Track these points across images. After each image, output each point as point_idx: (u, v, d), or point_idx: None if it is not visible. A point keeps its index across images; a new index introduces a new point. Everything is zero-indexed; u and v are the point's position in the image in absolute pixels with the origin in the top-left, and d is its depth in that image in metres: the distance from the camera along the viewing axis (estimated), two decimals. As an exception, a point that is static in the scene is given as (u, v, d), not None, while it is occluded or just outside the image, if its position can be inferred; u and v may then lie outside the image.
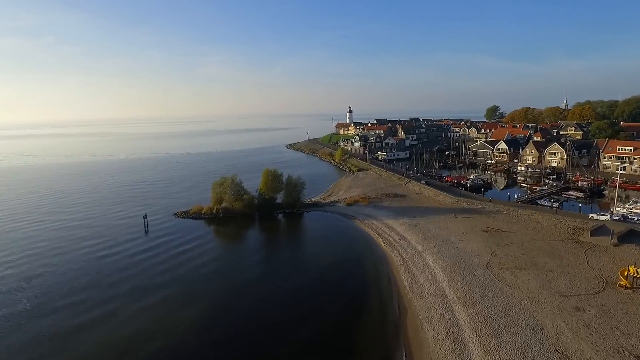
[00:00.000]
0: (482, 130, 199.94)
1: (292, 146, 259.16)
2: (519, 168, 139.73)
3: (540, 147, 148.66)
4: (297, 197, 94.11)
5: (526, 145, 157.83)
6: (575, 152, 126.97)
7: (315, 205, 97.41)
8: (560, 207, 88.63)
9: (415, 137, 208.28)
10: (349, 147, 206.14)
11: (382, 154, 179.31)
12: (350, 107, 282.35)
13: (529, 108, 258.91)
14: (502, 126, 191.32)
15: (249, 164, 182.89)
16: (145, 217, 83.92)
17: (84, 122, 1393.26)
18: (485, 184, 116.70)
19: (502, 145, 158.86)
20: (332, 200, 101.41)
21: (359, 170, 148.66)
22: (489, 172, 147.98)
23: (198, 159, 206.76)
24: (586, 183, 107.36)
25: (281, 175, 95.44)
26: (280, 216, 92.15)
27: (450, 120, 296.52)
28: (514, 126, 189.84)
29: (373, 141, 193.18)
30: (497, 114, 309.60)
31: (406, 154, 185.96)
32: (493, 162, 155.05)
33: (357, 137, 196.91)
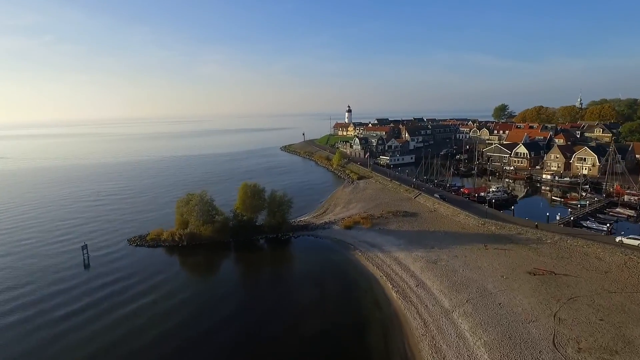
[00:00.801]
0: (495, 132, 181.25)
1: (287, 148, 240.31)
2: (544, 176, 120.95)
3: (566, 151, 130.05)
4: (282, 218, 75.27)
5: (548, 149, 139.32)
6: (618, 158, 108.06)
7: (306, 227, 78.48)
8: (612, 231, 69.96)
9: (420, 139, 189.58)
10: (347, 150, 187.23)
11: (384, 159, 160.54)
12: (349, 106, 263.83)
13: (542, 107, 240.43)
14: (517, 127, 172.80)
15: (234, 170, 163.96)
16: (84, 247, 65.07)
17: (80, 122, 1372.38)
18: (510, 198, 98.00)
19: (522, 149, 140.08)
20: (327, 220, 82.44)
21: (360, 178, 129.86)
22: (506, 180, 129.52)
23: (181, 163, 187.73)
24: (636, 197, 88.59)
25: (263, 190, 76.65)
26: (261, 242, 73.30)
27: (456, 120, 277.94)
28: (531, 127, 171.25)
29: (374, 144, 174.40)
30: (506, 113, 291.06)
31: (411, 159, 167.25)
32: (512, 168, 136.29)
33: (357, 139, 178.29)
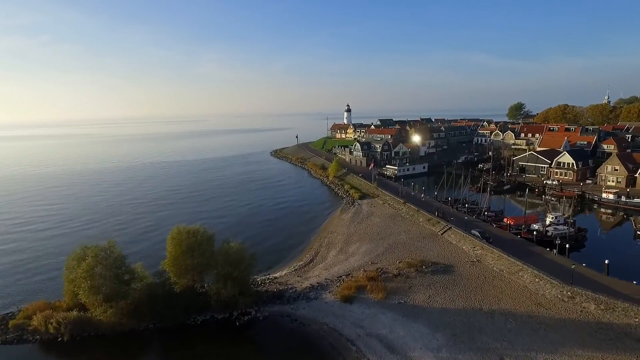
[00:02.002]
0: (522, 135, 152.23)
1: (278, 153, 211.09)
2: (605, 195, 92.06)
3: (626, 161, 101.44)
4: (241, 284, 46.06)
5: (595, 157, 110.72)
6: None
7: (280, 296, 49.27)
8: None
9: (432, 143, 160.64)
10: (346, 157, 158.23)
11: (391, 169, 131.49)
12: (348, 105, 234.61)
13: (567, 106, 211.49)
14: (550, 130, 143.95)
15: (207, 183, 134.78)
16: None
17: (78, 122, 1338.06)
18: (577, 232, 69.01)
19: (566, 159, 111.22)
20: (315, 282, 52.92)
21: (362, 197, 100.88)
22: (548, 198, 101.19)
23: (151, 173, 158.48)
24: None
25: (210, 239, 47.66)
26: (203, 329, 44.25)
27: (468, 120, 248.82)
28: (567, 129, 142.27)
29: (379, 150, 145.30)
30: (522, 112, 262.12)
31: (424, 168, 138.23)
32: (555, 182, 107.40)
33: (358, 144, 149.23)
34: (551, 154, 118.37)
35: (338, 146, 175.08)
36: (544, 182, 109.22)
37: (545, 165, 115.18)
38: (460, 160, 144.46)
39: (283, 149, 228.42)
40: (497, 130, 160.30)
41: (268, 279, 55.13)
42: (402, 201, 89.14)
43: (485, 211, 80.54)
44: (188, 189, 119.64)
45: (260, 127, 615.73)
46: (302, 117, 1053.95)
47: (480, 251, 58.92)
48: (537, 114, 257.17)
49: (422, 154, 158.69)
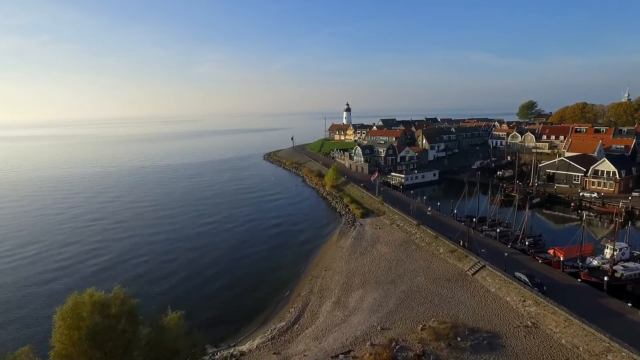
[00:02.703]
0: (544, 137, 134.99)
1: (272, 156, 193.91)
2: (664, 214, 74.98)
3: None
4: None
5: (635, 163, 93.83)
6: None
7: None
8: None
9: (442, 146, 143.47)
10: (346, 162, 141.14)
11: (397, 177, 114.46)
12: (347, 104, 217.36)
13: (586, 104, 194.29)
14: (577, 131, 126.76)
15: (186, 195, 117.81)
16: None
17: (75, 122, 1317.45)
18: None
19: (606, 166, 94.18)
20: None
21: (365, 214, 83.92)
22: (585, 213, 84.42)
23: (124, 181, 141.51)
24: None
25: (132, 312, 30.29)
26: None
27: (476, 120, 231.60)
28: (597, 131, 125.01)
29: (382, 155, 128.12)
30: (534, 111, 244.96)
31: (434, 176, 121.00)
32: (594, 195, 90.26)
33: (359, 148, 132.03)
34: (585, 160, 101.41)
35: (336, 150, 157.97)
36: (580, 194, 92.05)
37: (579, 174, 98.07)
38: (475, 166, 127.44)
39: (277, 151, 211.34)
40: (514, 132, 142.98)
41: (232, 356, 38.03)
42: (414, 222, 71.99)
43: (521, 237, 63.40)
44: (162, 205, 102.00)
45: (258, 127, 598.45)
46: (301, 117, 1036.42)
47: (534, 308, 41.80)
48: (551, 113, 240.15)
49: (430, 158, 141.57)
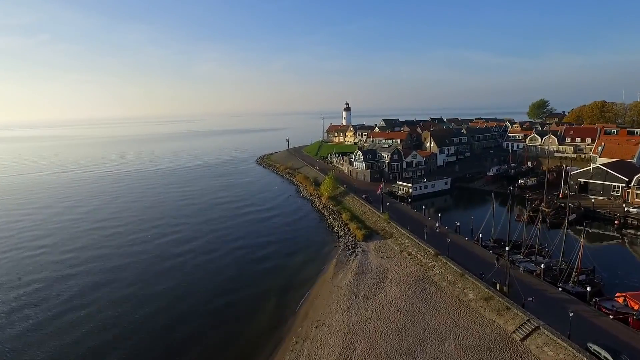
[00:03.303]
0: (567, 140, 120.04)
1: (265, 160, 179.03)
2: None
3: None
4: None
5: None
6: None
7: None
8: None
9: (452, 150, 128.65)
10: (345, 168, 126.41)
11: (404, 187, 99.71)
12: (347, 103, 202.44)
13: (606, 103, 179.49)
14: (606, 132, 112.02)
15: (162, 209, 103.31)
16: None
17: (73, 122, 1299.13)
18: None
19: (654, 176, 79.27)
20: None
21: (367, 236, 69.20)
22: (630, 231, 70.41)
23: (108, 189, 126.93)
24: None
25: None
26: None
27: (485, 120, 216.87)
28: (631, 132, 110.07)
29: (387, 160, 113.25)
30: (545, 111, 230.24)
31: (446, 184, 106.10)
32: (641, 211, 75.47)
33: (360, 153, 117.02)
34: (624, 167, 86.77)
35: (335, 153, 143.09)
36: (625, 209, 77.24)
37: (620, 184, 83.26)
38: (490, 173, 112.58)
39: (272, 154, 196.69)
40: (533, 134, 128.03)
41: None
42: (431, 251, 57.20)
43: (575, 275, 48.56)
44: (132, 225, 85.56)
45: (255, 127, 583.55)
46: (300, 117, 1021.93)
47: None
48: (564, 112, 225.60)
49: (440, 163, 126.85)
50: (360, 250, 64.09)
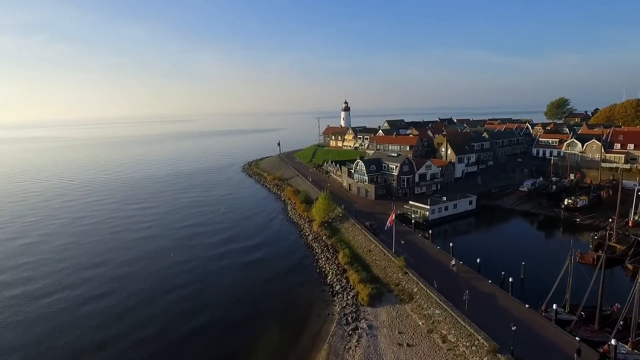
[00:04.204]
0: (617, 146, 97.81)
1: (253, 168, 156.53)
2: None
3: None
4: None
5: None
6: None
7: None
8: None
9: (473, 158, 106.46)
10: (344, 181, 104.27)
11: (419, 208, 77.60)
12: (346, 102, 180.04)
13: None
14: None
15: (112, 240, 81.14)
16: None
17: (71, 122, 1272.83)
18: None
19: None
20: None
21: (375, 296, 46.98)
22: None
23: (56, 208, 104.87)
24: None
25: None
26: None
27: (499, 121, 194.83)
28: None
29: (395, 173, 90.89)
30: (565, 110, 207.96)
31: (470, 204, 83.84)
32: None
33: (362, 163, 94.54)
34: None
35: (331, 162, 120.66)
36: None
37: None
38: (524, 188, 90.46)
39: (261, 160, 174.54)
40: (572, 139, 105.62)
41: None
42: (480, 338, 35.02)
43: None
44: (55, 275, 63.75)
45: (251, 127, 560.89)
46: (300, 116, 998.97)
47: None
48: (586, 112, 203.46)
49: (458, 175, 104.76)
50: (364, 324, 42.02)
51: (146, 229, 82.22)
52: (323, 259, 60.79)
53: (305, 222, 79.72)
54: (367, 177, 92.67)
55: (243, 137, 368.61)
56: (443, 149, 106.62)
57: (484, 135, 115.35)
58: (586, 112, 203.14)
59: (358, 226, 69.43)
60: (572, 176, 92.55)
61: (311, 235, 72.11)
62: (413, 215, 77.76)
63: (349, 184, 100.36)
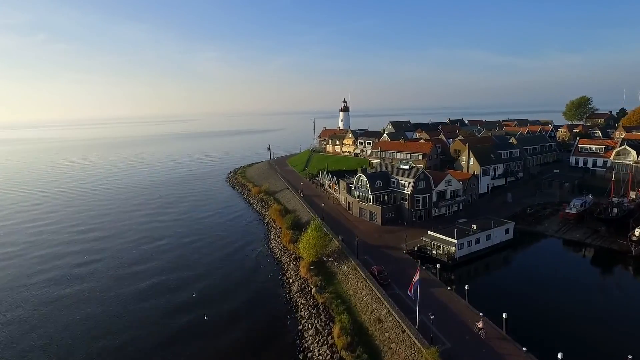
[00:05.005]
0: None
1: (238, 177, 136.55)
2: None
3: None
4: None
5: None
6: None
7: None
8: None
9: (500, 169, 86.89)
10: (341, 198, 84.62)
11: (443, 242, 57.93)
12: (345, 102, 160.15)
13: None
14: None
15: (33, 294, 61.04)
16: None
17: (69, 122, 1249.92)
18: None
19: None
20: None
21: None
22: None
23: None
24: None
25: None
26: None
27: (514, 122, 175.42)
28: None
29: (408, 191, 71.04)
30: (587, 110, 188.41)
31: (506, 232, 64.23)
32: None
33: (365, 178, 74.77)
34: None
35: (327, 173, 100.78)
36: None
37: None
38: (572, 210, 70.89)
39: (249, 166, 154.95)
40: (624, 146, 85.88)
41: None
42: None
43: None
44: None
45: (246, 128, 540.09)
46: (298, 116, 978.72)
47: None
48: (611, 112, 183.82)
49: (483, 190, 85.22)
50: None
51: (66, 285, 61.56)
52: (311, 332, 41.14)
53: (290, 260, 60.11)
54: (371, 196, 73.03)
55: (237, 139, 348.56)
56: (464, 158, 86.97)
57: (511, 140, 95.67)
58: (610, 112, 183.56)
59: (361, 272, 49.86)
60: (632, 195, 72.96)
61: (297, 283, 52.45)
62: (434, 251, 58.41)
63: (349, 203, 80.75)
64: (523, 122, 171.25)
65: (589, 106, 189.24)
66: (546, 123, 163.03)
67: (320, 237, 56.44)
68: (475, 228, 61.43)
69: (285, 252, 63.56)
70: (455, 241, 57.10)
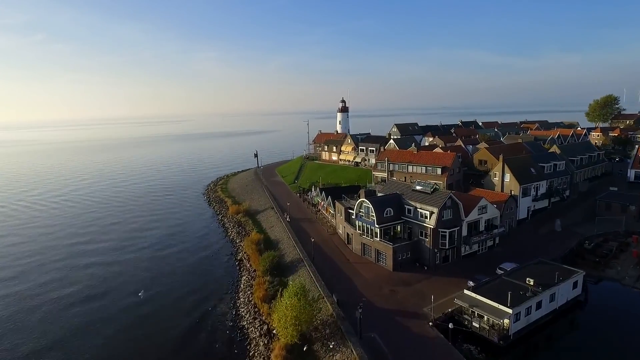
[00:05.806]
0: None
1: (218, 190, 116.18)
2: None
3: None
4: None
5: None
6: None
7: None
8: None
9: (544, 187, 67.34)
10: (339, 225, 64.74)
11: (488, 311, 38.04)
12: (343, 101, 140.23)
13: None
14: None
15: None
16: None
17: (67, 123, 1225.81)
18: None
19: None
20: None
21: None
22: None
23: None
24: None
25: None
26: None
27: (535, 124, 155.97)
28: None
29: (431, 225, 51.27)
30: (614, 109, 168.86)
31: (575, 287, 44.45)
32: None
33: (370, 206, 55.24)
34: None
35: (321, 192, 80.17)
36: None
37: None
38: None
39: (234, 175, 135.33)
40: None
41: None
42: None
43: None
44: None
45: (243, 129, 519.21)
46: (298, 116, 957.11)
47: None
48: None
49: (522, 214, 65.45)
50: None
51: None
52: None
53: (260, 336, 40.29)
54: (378, 230, 53.15)
55: (229, 141, 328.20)
56: (496, 174, 67.15)
57: (552, 150, 75.82)
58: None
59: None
60: None
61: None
62: (473, 323, 38.81)
63: (347, 234, 60.98)
64: (544, 125, 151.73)
65: (616, 106, 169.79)
66: (571, 125, 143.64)
67: (304, 306, 36.67)
68: (531, 284, 41.74)
69: (256, 319, 43.77)
70: (509, 311, 37.44)
